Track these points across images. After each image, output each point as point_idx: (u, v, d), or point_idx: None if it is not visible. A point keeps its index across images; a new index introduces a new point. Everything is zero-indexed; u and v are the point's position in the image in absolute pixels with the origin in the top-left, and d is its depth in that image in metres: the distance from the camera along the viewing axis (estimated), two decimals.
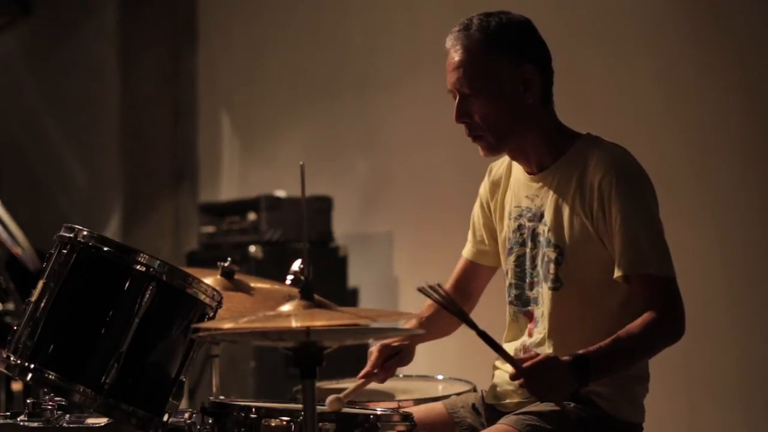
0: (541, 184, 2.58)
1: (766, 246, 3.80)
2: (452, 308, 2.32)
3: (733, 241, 3.87)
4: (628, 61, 4.15)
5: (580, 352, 2.36)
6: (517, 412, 2.53)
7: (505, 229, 2.67)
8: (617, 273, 2.45)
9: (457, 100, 2.55)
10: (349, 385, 2.75)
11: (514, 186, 2.66)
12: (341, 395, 2.41)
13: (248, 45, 5.98)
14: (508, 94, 2.52)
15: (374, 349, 2.76)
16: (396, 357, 2.77)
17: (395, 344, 2.76)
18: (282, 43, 5.77)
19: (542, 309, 2.56)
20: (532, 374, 2.33)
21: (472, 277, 2.83)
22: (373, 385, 2.83)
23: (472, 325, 2.32)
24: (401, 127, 5.08)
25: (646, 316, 2.41)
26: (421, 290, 2.27)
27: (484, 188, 2.76)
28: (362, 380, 2.73)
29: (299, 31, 5.67)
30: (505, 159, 2.71)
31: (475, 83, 2.51)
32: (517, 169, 2.66)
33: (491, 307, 2.84)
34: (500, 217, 2.70)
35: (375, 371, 2.75)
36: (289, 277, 2.92)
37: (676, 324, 2.43)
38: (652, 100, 4.09)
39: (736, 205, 3.87)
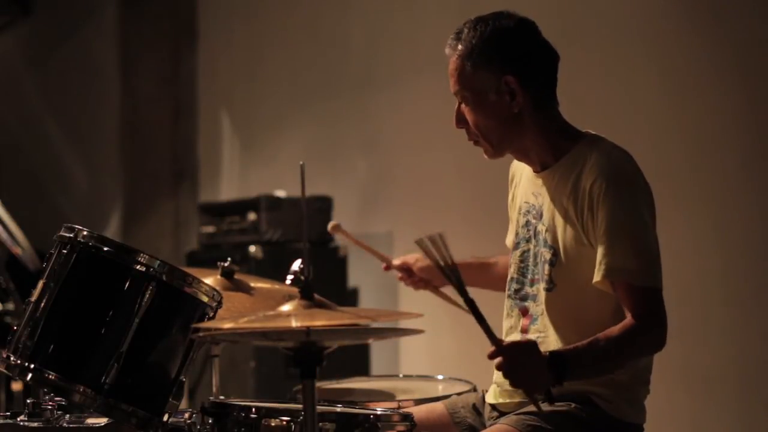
0: (542, 182, 2.58)
1: (765, 246, 3.80)
2: (444, 267, 2.25)
3: (732, 241, 3.87)
4: (628, 61, 4.15)
5: (557, 349, 2.37)
6: (518, 411, 2.53)
7: (516, 223, 2.68)
8: (595, 278, 2.44)
9: (456, 106, 2.58)
10: (352, 385, 2.75)
11: (524, 182, 2.67)
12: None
13: (248, 45, 5.98)
14: (493, 103, 2.53)
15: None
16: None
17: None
18: (282, 43, 5.77)
19: (541, 307, 2.56)
20: (509, 354, 2.30)
21: None
22: (374, 385, 2.83)
23: (462, 291, 2.27)
24: (401, 127, 5.08)
25: (626, 322, 2.40)
26: (418, 243, 2.24)
27: (509, 183, 2.78)
28: None
29: (299, 31, 5.67)
30: None
31: (462, 93, 2.55)
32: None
33: (490, 301, 2.83)
34: (514, 211, 2.72)
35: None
36: (289, 277, 2.92)
37: (655, 334, 2.42)
38: (651, 100, 4.09)
39: (734, 205, 3.87)
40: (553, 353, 2.34)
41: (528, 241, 2.62)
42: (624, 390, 2.52)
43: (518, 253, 2.64)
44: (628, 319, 2.40)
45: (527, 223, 2.63)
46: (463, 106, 2.56)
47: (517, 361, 2.31)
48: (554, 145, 2.56)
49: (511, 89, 2.51)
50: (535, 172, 2.61)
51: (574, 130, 2.59)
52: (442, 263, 2.24)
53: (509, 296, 2.65)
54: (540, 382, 2.33)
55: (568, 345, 2.39)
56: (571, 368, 2.34)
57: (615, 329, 2.39)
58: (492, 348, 2.31)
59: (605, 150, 2.51)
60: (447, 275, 2.26)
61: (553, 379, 2.33)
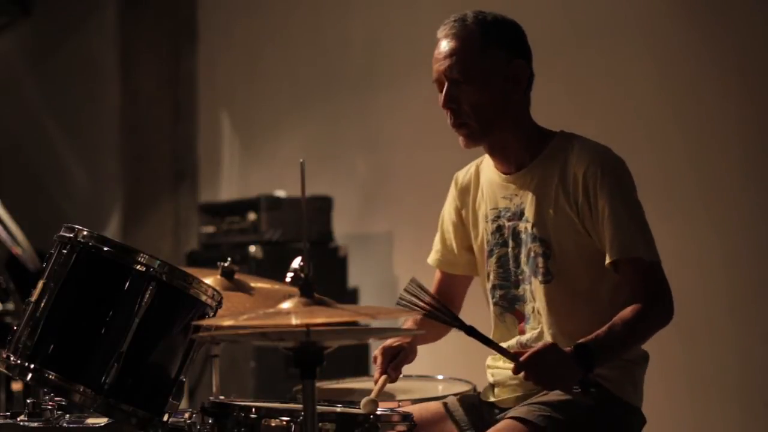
0: (519, 183, 2.61)
1: (766, 245, 3.80)
2: (433, 314, 2.33)
3: (733, 240, 3.87)
4: (628, 61, 4.15)
5: (580, 341, 2.39)
6: (525, 402, 2.54)
7: (482, 233, 2.69)
8: (608, 259, 2.49)
9: (446, 87, 2.58)
10: (352, 385, 2.74)
11: (486, 189, 2.69)
12: (373, 396, 2.41)
13: (248, 45, 5.98)
14: (497, 85, 2.57)
15: (377, 353, 2.74)
16: (400, 355, 2.77)
17: (395, 344, 2.76)
18: (282, 43, 5.77)
19: (532, 305, 2.59)
20: (532, 365, 2.35)
21: (451, 286, 2.85)
22: (374, 385, 2.82)
23: (459, 322, 2.34)
24: (401, 126, 5.08)
25: (636, 302, 2.45)
26: (399, 304, 2.31)
27: (452, 198, 2.79)
28: (383, 379, 2.73)
29: (299, 31, 5.66)
30: (471, 165, 2.76)
31: (468, 71, 2.56)
32: (487, 171, 2.69)
33: (473, 311, 2.83)
34: (474, 223, 2.72)
35: (387, 372, 2.76)
36: (289, 275, 2.91)
37: (665, 306, 2.48)
38: (651, 100, 4.09)
39: (735, 205, 3.87)
40: (577, 346, 2.38)
41: (503, 245, 2.64)
42: (628, 371, 2.57)
43: (494, 260, 2.66)
44: (639, 298, 2.45)
45: (498, 228, 2.65)
46: (463, 86, 2.55)
47: (541, 367, 2.36)
48: (531, 143, 2.61)
49: (517, 74, 2.57)
50: (505, 174, 2.63)
51: (545, 130, 2.65)
52: (429, 309, 2.33)
53: (495, 304, 2.67)
54: (570, 377, 2.37)
55: (564, 337, 2.46)
56: (598, 355, 2.38)
57: (627, 311, 2.44)
58: (513, 365, 2.37)
59: (585, 141, 2.59)
60: (438, 318, 2.36)
61: (583, 370, 2.37)
